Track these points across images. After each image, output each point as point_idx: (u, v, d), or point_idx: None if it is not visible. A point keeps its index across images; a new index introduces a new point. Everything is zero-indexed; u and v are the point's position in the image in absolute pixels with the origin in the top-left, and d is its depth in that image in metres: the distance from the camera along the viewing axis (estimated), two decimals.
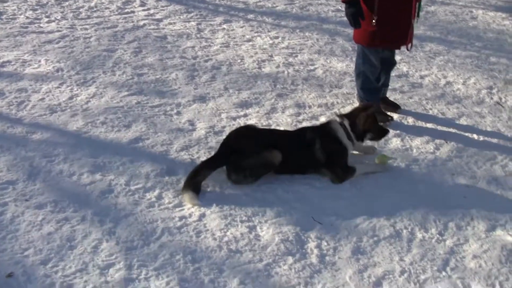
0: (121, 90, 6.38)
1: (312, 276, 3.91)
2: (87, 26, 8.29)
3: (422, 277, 3.98)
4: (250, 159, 4.78)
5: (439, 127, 6.15)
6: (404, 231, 4.44)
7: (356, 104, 6.22)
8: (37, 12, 8.72)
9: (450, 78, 7.56)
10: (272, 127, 5.78)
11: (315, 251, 4.14)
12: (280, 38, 8.53)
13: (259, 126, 5.65)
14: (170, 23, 8.72)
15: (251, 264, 3.97)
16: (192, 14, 9.20)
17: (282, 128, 5.74)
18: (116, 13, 8.96)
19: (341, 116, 5.24)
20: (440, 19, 10.41)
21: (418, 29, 9.25)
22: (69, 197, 4.52)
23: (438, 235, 4.42)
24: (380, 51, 5.98)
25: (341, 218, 4.52)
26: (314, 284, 3.84)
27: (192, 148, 5.34)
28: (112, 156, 5.11)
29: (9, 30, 7.98)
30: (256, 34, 8.62)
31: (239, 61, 7.52)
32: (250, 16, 9.46)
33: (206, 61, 7.41)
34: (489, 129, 6.23)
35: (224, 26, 8.85)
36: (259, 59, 7.62)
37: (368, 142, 5.49)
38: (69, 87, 6.37)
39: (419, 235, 4.41)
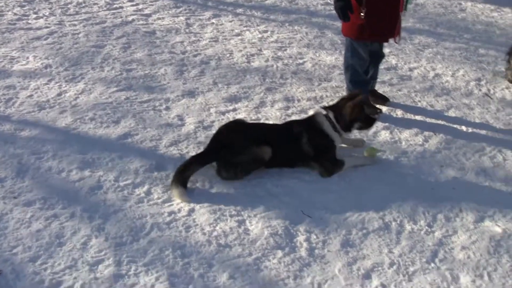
0: (110, 86, 6.37)
1: (302, 270, 3.91)
2: (75, 22, 8.26)
3: (411, 269, 4.00)
4: (241, 156, 4.78)
5: (428, 119, 6.17)
6: (393, 223, 4.46)
7: None
8: (25, 8, 8.68)
9: (439, 70, 7.57)
10: (261, 121, 5.79)
11: (304, 244, 4.15)
12: (269, 32, 8.52)
13: (248, 120, 5.66)
14: (158, 18, 8.69)
15: (241, 258, 3.98)
16: (181, 9, 9.18)
17: (271, 122, 5.74)
18: (105, 8, 8.93)
19: (326, 108, 5.24)
20: (429, 11, 10.41)
21: (407, 21, 9.27)
22: (58, 193, 4.51)
23: (427, 227, 4.44)
24: (369, 44, 6.00)
25: (330, 211, 4.53)
26: (304, 277, 3.85)
27: (181, 143, 5.34)
28: (101, 152, 5.10)
29: None
30: (245, 28, 8.61)
31: (228, 55, 7.51)
32: (239, 10, 9.44)
33: (195, 56, 7.40)
34: (477, 120, 6.25)
35: (213, 20, 8.83)
36: (248, 53, 7.62)
37: (357, 135, 5.51)
38: (58, 84, 6.35)
39: (408, 227, 4.42)
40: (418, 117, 6.20)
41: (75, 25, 8.16)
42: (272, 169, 4.97)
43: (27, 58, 6.97)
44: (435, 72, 7.49)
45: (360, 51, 5.99)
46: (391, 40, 6.09)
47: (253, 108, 6.09)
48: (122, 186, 4.67)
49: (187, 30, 8.29)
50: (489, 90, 7.09)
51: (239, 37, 8.22)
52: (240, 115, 5.89)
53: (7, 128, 5.41)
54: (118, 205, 4.42)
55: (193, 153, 5.09)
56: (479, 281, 3.93)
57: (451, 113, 6.37)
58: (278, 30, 8.65)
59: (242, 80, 6.77)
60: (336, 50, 7.97)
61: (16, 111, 5.72)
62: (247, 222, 4.34)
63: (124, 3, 9.22)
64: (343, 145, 5.39)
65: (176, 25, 8.47)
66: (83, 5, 9.01)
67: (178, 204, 4.46)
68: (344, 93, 6.40)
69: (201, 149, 5.07)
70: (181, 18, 8.79)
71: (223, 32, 8.35)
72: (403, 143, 5.63)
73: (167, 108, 5.96)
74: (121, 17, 8.58)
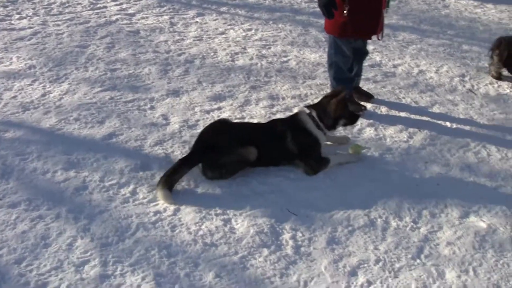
0: (94, 86, 6.35)
1: (288, 268, 3.92)
2: (59, 22, 8.23)
3: (397, 265, 4.01)
4: (226, 157, 4.77)
5: (412, 116, 6.20)
6: (379, 220, 4.47)
7: None
8: (8, 9, 8.63)
9: (423, 67, 7.61)
10: (246, 120, 5.79)
11: (290, 242, 4.15)
12: (253, 30, 8.53)
13: (233, 119, 5.66)
14: (142, 18, 8.68)
15: (227, 257, 3.98)
16: (164, 8, 9.17)
17: (255, 121, 5.74)
18: (88, 8, 8.90)
19: (309, 107, 5.24)
20: (413, 8, 10.45)
21: (391, 18, 9.31)
22: (43, 195, 4.50)
23: (412, 223, 4.46)
24: (352, 41, 6.01)
25: (316, 209, 4.53)
26: (290, 275, 3.86)
27: (166, 142, 5.33)
28: (86, 153, 5.08)
29: None
30: (229, 27, 8.61)
31: (212, 54, 7.51)
32: (223, 8, 9.44)
33: (179, 55, 7.39)
34: (461, 116, 6.28)
35: (197, 19, 8.82)
36: (232, 52, 7.62)
37: (341, 132, 5.52)
38: (42, 84, 6.33)
39: (393, 223, 4.44)
40: (402, 114, 6.23)
41: (58, 25, 8.13)
42: (257, 167, 4.97)
43: (11, 59, 6.94)
44: (419, 69, 7.52)
45: (343, 49, 6.00)
46: (374, 37, 6.09)
47: (237, 107, 6.09)
48: (107, 186, 4.65)
49: (171, 29, 8.28)
50: (473, 86, 7.13)
51: (223, 36, 8.21)
52: (225, 114, 5.89)
53: None
54: (103, 206, 4.41)
55: (178, 152, 5.11)
56: (464, 276, 3.95)
57: (436, 109, 6.40)
58: (262, 28, 8.65)
59: (227, 79, 6.77)
60: (320, 47, 7.98)
61: (0, 112, 5.68)
62: (232, 220, 4.34)
63: (107, 2, 9.20)
64: (328, 142, 5.39)
65: (160, 24, 8.45)
66: (67, 5, 8.97)
67: (164, 203, 4.45)
68: (328, 90, 6.41)
69: (186, 148, 5.08)
70: (165, 17, 8.77)
71: (207, 31, 8.35)
72: (388, 139, 5.65)
73: (152, 108, 5.95)
74: (105, 17, 8.55)
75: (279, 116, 5.82)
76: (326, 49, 6.35)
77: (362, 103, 6.26)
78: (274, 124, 5.21)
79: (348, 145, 5.44)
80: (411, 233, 4.34)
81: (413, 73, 7.38)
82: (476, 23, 9.89)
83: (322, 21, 6.32)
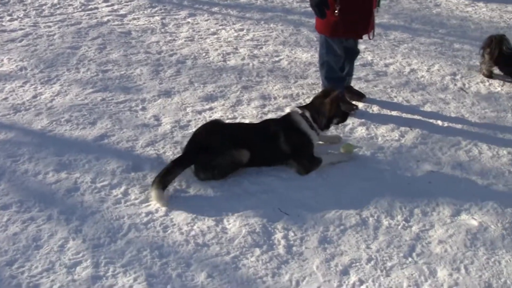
0: (86, 87, 6.34)
1: (280, 267, 3.92)
2: (50, 24, 8.22)
3: (389, 264, 4.02)
4: (219, 158, 4.77)
5: (404, 115, 6.20)
6: (371, 219, 4.48)
7: None
8: None
9: (415, 66, 7.62)
10: (238, 120, 5.79)
11: (282, 242, 4.16)
12: (245, 30, 8.52)
13: (225, 119, 5.66)
14: (134, 19, 8.67)
15: (219, 257, 3.98)
16: (156, 9, 9.16)
17: (247, 121, 5.74)
18: (80, 9, 8.89)
19: (302, 107, 5.25)
20: (404, 7, 10.46)
21: (382, 17, 9.32)
22: (34, 196, 4.49)
23: (404, 222, 4.47)
24: (343, 41, 6.00)
25: (308, 208, 4.54)
26: (282, 274, 3.86)
27: (157, 143, 5.33)
28: (77, 154, 5.08)
29: None
30: (220, 27, 8.61)
31: (204, 54, 7.50)
32: (215, 9, 9.43)
33: (170, 55, 7.39)
34: (453, 115, 6.29)
35: (189, 20, 8.81)
36: (224, 52, 7.62)
37: (333, 131, 5.53)
38: (33, 86, 6.32)
39: (385, 222, 4.45)
40: (394, 113, 6.23)
41: (50, 26, 8.11)
42: (249, 168, 4.97)
43: (2, 60, 6.93)
44: (411, 68, 7.53)
45: (335, 48, 6.00)
46: (365, 37, 6.10)
47: (229, 107, 6.08)
48: (99, 187, 4.65)
49: (162, 30, 8.28)
50: (464, 84, 7.15)
51: (215, 36, 8.21)
52: (217, 114, 5.89)
53: None
54: (95, 207, 4.41)
55: (169, 153, 5.11)
56: (456, 274, 3.96)
57: (427, 108, 6.41)
58: (253, 28, 8.65)
59: (218, 79, 6.77)
60: (312, 47, 7.99)
61: None
62: (224, 221, 4.34)
63: (99, 3, 9.18)
64: (320, 142, 5.40)
65: (151, 25, 8.45)
66: (58, 6, 8.96)
67: (155, 204, 4.45)
68: (320, 89, 6.41)
69: (178, 149, 5.08)
70: (157, 18, 8.77)
71: (198, 31, 8.34)
72: (380, 138, 5.66)
73: (143, 109, 5.95)
74: (96, 18, 8.54)
75: (270, 116, 5.83)
76: (318, 49, 6.35)
77: (353, 102, 6.26)
78: (266, 124, 5.21)
79: (340, 144, 5.44)
80: (403, 232, 4.35)
81: (404, 72, 7.39)
82: (467, 21, 9.90)
83: (313, 21, 6.31)
